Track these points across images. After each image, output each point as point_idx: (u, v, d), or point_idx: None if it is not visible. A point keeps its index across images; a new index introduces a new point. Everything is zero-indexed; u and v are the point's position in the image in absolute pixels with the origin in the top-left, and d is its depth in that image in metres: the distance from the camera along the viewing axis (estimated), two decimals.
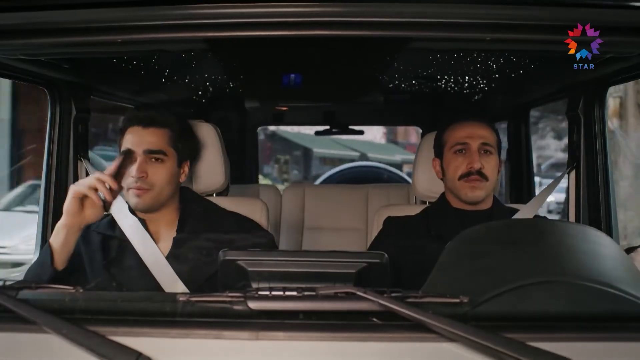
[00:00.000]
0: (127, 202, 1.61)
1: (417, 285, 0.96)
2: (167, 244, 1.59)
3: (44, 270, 1.38)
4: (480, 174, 1.68)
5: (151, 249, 1.54)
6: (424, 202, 2.01)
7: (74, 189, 1.40)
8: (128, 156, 1.54)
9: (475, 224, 1.10)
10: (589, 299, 0.88)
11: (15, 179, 7.26)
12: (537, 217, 1.78)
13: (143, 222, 1.60)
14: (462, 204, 1.75)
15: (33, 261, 1.97)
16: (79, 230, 1.42)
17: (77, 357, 0.83)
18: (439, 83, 2.59)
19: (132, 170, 1.53)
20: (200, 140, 1.81)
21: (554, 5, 1.12)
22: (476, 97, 2.80)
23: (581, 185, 1.96)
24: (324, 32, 1.15)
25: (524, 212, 1.77)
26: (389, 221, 1.82)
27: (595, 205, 1.93)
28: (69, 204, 1.39)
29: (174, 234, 1.61)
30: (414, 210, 1.86)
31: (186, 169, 1.69)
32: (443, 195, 1.83)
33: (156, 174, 1.56)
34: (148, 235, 1.57)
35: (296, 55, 1.79)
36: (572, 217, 2.01)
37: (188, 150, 1.70)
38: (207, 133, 1.83)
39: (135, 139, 1.57)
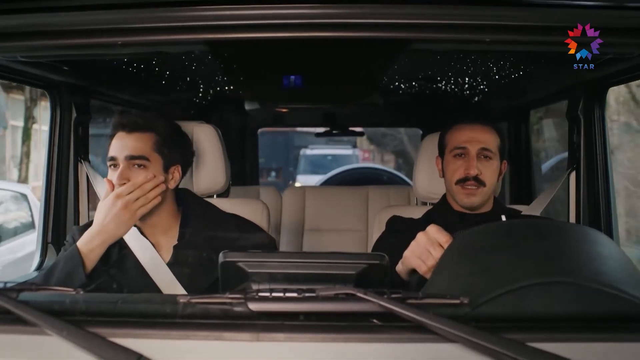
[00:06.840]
0: None
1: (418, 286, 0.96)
2: (167, 250, 1.56)
3: (76, 278, 1.38)
4: (477, 180, 1.66)
5: (151, 256, 1.52)
6: (425, 204, 2.01)
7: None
8: (113, 164, 1.52)
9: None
10: (589, 299, 0.88)
11: None
12: (539, 217, 1.78)
13: (140, 229, 1.56)
14: (462, 207, 1.75)
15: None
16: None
17: (78, 358, 0.83)
18: (439, 84, 2.60)
19: (114, 177, 1.49)
20: (192, 142, 1.74)
21: (553, 6, 1.12)
22: (476, 98, 2.80)
23: (581, 186, 1.97)
24: (324, 34, 1.15)
25: (526, 213, 1.77)
26: (394, 219, 1.82)
27: (595, 206, 1.93)
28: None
29: (174, 241, 1.58)
30: (415, 211, 1.86)
31: (176, 174, 1.60)
32: (444, 196, 1.83)
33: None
34: (148, 243, 1.54)
35: (296, 57, 1.79)
36: (572, 218, 2.02)
37: (176, 155, 1.60)
38: (208, 134, 1.83)
39: (118, 145, 1.52)
